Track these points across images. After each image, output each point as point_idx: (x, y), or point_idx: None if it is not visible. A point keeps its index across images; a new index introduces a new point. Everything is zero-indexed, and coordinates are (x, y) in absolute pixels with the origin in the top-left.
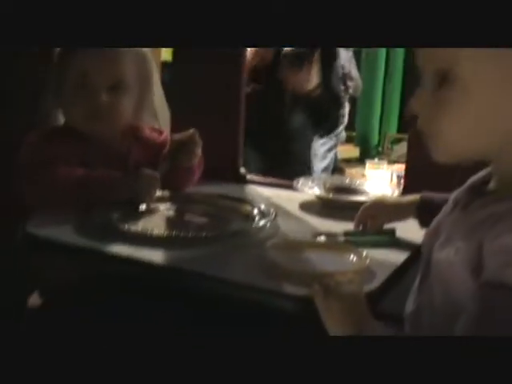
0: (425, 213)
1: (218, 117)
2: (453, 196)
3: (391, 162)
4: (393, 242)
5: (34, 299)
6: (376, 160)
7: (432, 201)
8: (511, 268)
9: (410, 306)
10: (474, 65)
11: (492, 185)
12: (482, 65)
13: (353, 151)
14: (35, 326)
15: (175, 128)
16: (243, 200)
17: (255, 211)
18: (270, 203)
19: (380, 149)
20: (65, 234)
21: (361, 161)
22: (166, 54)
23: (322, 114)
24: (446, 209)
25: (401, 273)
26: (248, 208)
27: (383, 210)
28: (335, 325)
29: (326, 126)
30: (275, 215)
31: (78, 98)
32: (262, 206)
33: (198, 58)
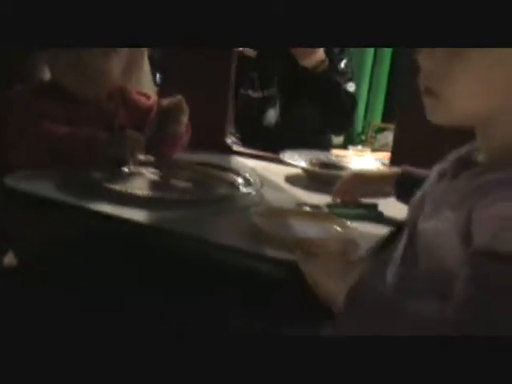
0: (404, 186)
1: (206, 86)
2: (437, 168)
3: (374, 150)
4: (375, 216)
5: (9, 259)
6: (359, 147)
7: (411, 175)
8: (501, 236)
9: (390, 276)
10: None
11: (480, 157)
12: None
13: (336, 138)
14: (10, 288)
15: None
16: (229, 168)
17: (240, 179)
18: (255, 173)
19: (363, 137)
20: (47, 189)
21: (344, 147)
22: None
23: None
24: (430, 181)
25: (383, 245)
26: (233, 176)
27: (362, 182)
28: (319, 287)
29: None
30: (261, 184)
31: (67, 58)
32: (248, 175)
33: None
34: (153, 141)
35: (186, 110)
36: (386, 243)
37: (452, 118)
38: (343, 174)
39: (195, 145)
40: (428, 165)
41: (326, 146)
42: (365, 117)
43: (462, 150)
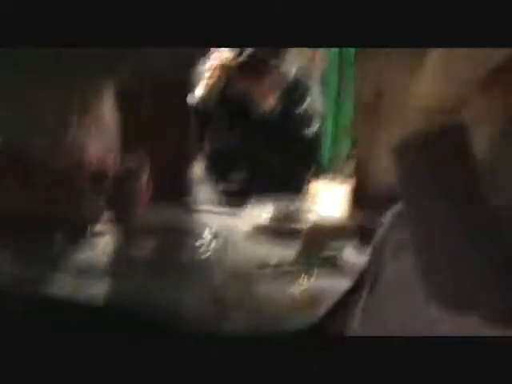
0: (363, 233)
1: (168, 144)
2: (392, 211)
3: (344, 178)
4: (336, 266)
5: None
6: (328, 177)
7: (365, 225)
8: None
9: (356, 325)
10: None
11: None
12: None
13: (304, 170)
14: None
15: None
16: (192, 229)
17: (203, 240)
18: (218, 231)
19: (332, 167)
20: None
21: (314, 178)
22: None
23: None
24: (386, 225)
25: (346, 297)
26: (196, 237)
27: (323, 234)
28: None
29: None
30: (224, 243)
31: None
32: (210, 234)
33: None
34: (113, 201)
35: (147, 169)
36: (351, 292)
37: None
38: (306, 226)
39: (158, 203)
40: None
41: (295, 189)
42: (332, 146)
43: None
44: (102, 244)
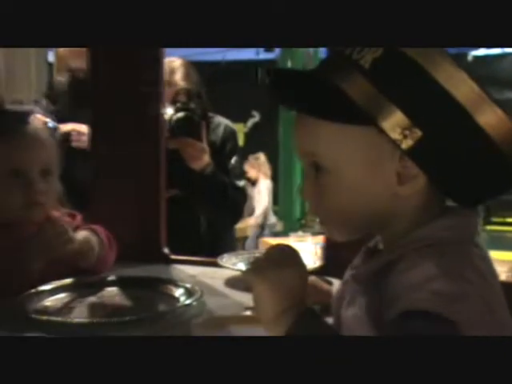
0: None
1: (140, 198)
2: (352, 263)
3: (315, 233)
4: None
5: None
6: (300, 233)
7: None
8: (415, 297)
9: None
10: (333, 152)
11: (380, 245)
12: (340, 151)
13: (277, 225)
14: None
15: (96, 210)
16: (168, 280)
17: (180, 291)
18: (195, 281)
19: (303, 221)
20: None
21: (285, 234)
22: None
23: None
24: (346, 274)
25: None
26: (173, 288)
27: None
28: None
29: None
30: (201, 293)
31: (14, 188)
32: (188, 285)
33: (117, 140)
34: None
35: (95, 244)
36: None
37: (346, 235)
38: None
39: (132, 257)
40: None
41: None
42: (302, 202)
43: (371, 242)
44: (77, 304)
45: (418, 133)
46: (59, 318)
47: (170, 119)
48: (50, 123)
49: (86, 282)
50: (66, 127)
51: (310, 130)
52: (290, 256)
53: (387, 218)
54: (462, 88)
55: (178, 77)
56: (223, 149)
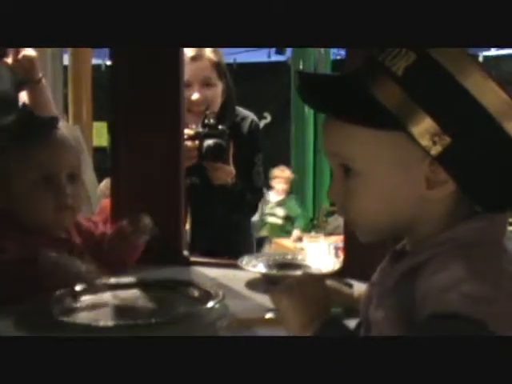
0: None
1: (160, 200)
2: (380, 266)
3: (327, 234)
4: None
5: None
6: (313, 233)
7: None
8: (445, 299)
9: None
10: (363, 156)
11: (407, 247)
12: (370, 155)
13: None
14: None
15: (117, 215)
16: (189, 283)
17: (202, 293)
18: (216, 284)
19: (316, 222)
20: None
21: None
22: (98, 140)
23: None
24: (376, 274)
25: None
26: (195, 291)
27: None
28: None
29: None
30: (223, 295)
31: (45, 193)
32: (209, 288)
33: (136, 146)
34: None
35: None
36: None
37: (375, 236)
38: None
39: (152, 260)
40: (381, 247)
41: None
42: (314, 202)
43: (399, 245)
44: (101, 306)
45: (447, 139)
46: (85, 321)
47: (200, 143)
48: (77, 128)
49: (111, 284)
50: None
51: (339, 133)
52: (311, 276)
53: (415, 221)
54: (490, 96)
55: (208, 50)
56: (248, 143)
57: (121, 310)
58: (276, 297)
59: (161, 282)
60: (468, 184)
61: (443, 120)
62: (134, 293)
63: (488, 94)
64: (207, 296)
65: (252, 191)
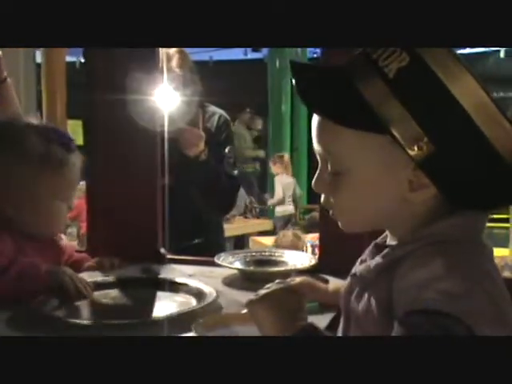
0: None
1: (136, 198)
2: (361, 258)
3: (305, 232)
4: (316, 310)
5: None
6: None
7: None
8: (421, 297)
9: None
10: (346, 155)
11: (388, 240)
12: (354, 155)
13: (267, 224)
14: None
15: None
16: (167, 280)
17: (181, 292)
18: (194, 282)
19: (293, 220)
20: None
21: (275, 233)
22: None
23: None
24: (355, 269)
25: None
26: (172, 288)
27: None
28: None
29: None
30: (217, 295)
31: (61, 211)
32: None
33: (112, 144)
34: None
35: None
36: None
37: (357, 228)
38: (279, 270)
39: (129, 258)
40: (356, 244)
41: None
42: (294, 200)
43: (380, 238)
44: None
45: (431, 146)
46: (66, 319)
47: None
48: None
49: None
50: None
51: (326, 129)
52: (285, 287)
53: (396, 218)
54: (478, 107)
55: (174, 63)
56: (217, 137)
57: (105, 308)
58: (252, 308)
59: (139, 280)
60: (449, 189)
61: (428, 126)
62: (115, 291)
63: (477, 104)
64: (186, 293)
65: (226, 176)
